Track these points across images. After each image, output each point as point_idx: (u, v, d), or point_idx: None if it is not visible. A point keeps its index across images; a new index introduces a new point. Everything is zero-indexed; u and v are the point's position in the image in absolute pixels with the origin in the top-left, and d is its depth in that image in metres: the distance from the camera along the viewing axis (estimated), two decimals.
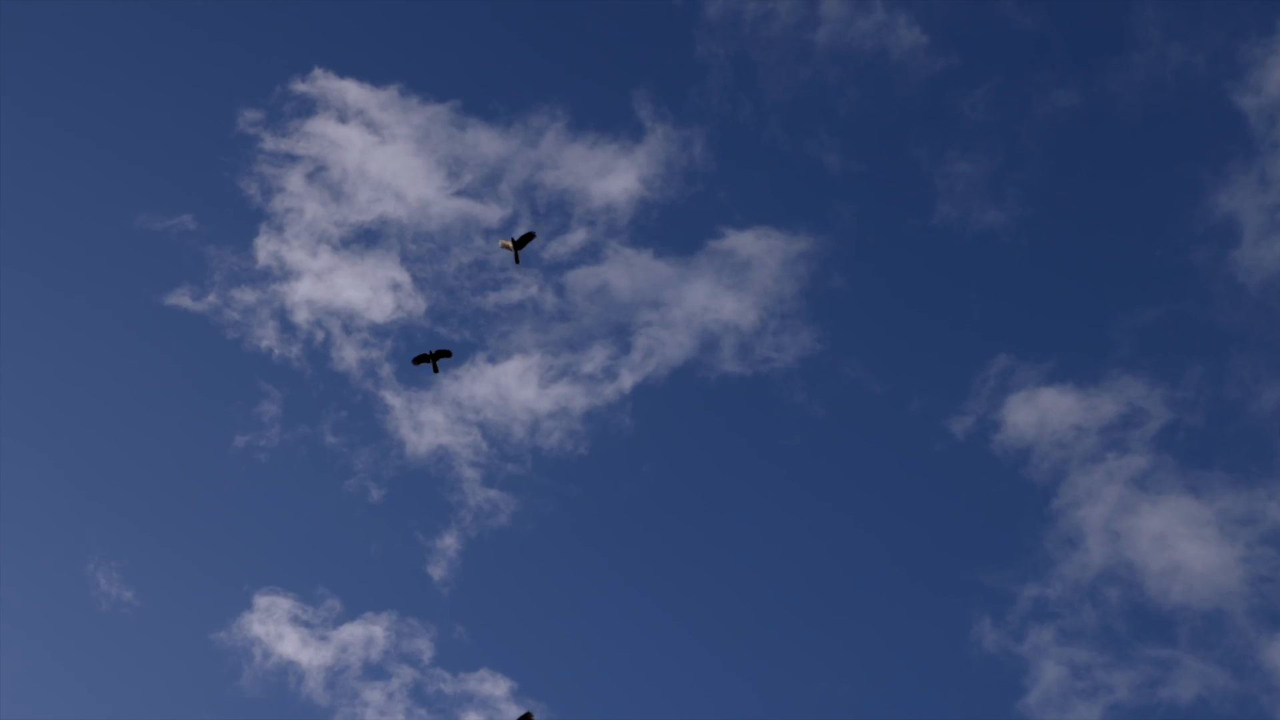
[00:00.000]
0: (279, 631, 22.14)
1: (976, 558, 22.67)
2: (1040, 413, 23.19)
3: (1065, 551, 22.26)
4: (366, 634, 22.22)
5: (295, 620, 22.24)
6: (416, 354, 20.91)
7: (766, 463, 23.84)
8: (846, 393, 23.97)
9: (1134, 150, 25.27)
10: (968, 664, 21.89)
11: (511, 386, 23.85)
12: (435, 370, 20.72)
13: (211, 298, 24.37)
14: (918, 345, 24.60)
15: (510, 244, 20.79)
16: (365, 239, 25.04)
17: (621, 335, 24.17)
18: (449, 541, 22.81)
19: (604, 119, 25.57)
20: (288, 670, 22.00)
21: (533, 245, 20.68)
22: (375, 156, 25.49)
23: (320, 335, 24.25)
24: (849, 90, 25.52)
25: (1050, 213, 24.98)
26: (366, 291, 24.54)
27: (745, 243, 24.79)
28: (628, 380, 23.84)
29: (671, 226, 25.12)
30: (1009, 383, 23.48)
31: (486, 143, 25.45)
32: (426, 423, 23.64)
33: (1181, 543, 21.95)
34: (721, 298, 24.38)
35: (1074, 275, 24.84)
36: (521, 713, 17.67)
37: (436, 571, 22.65)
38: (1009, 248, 24.78)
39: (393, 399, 23.82)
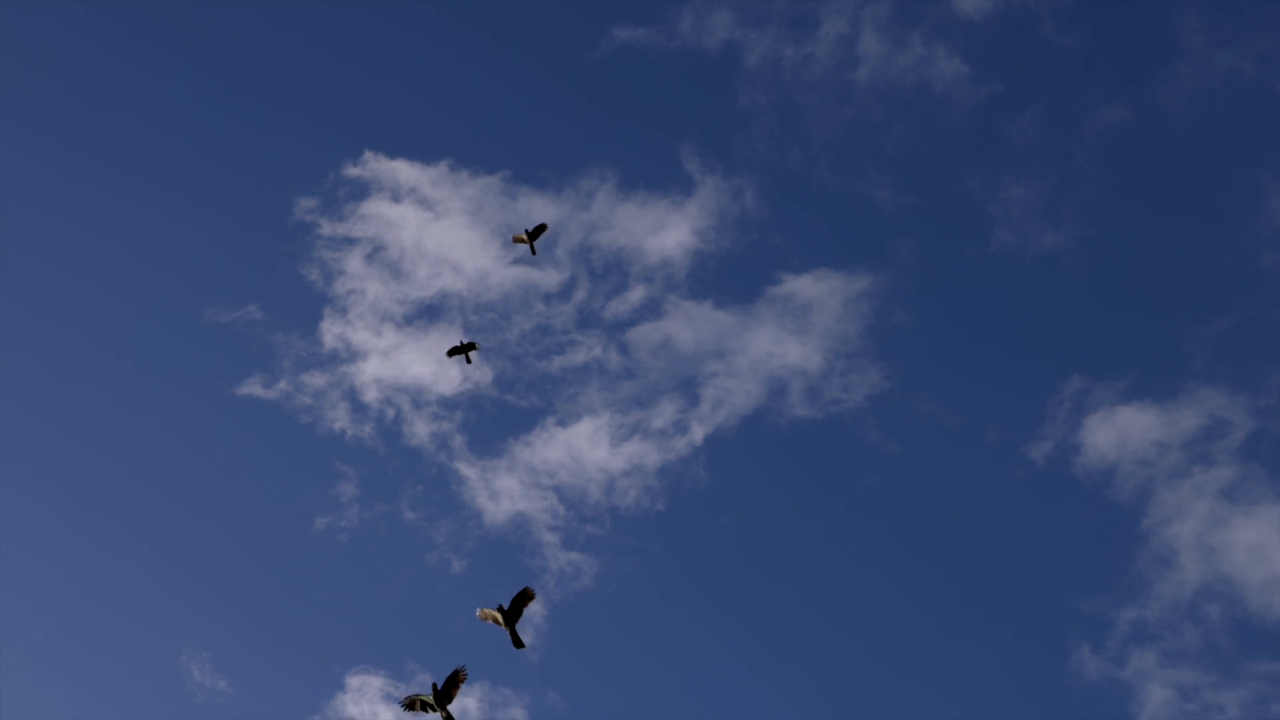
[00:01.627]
0: (373, 711, 22.10)
1: (1069, 584, 22.28)
2: (1120, 432, 22.86)
3: (1160, 571, 21.84)
4: (460, 707, 22.11)
5: (389, 698, 22.20)
6: (450, 348, 20.68)
7: (845, 505, 23.64)
8: (920, 428, 23.76)
9: (1190, 159, 25.06)
10: (1072, 694, 21.45)
11: (583, 448, 23.85)
12: (469, 362, 20.60)
13: (282, 384, 24.64)
14: (988, 374, 24.38)
15: (525, 236, 20.51)
16: (428, 314, 25.26)
17: (688, 388, 24.15)
18: (534, 607, 22.72)
19: (653, 176, 25.73)
20: None
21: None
22: (431, 232, 25.77)
23: (391, 412, 24.42)
24: (895, 126, 25.54)
25: (1110, 230, 24.77)
26: (433, 365, 24.71)
27: (805, 286, 24.75)
28: (699, 432, 23.78)
29: (729, 276, 25.15)
30: (1085, 404, 23.19)
31: (539, 209, 25.67)
32: (502, 490, 23.68)
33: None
34: (785, 343, 24.32)
35: (1141, 291, 24.56)
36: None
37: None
38: (1071, 269, 24.57)
39: (467, 470, 23.89)
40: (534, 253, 20.55)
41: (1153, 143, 25.20)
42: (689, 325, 24.65)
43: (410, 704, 14.84)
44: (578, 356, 24.42)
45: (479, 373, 24.59)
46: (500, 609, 15.53)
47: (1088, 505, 22.77)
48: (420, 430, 24.24)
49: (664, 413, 24.00)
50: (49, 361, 25.37)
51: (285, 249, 25.89)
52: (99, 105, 26.80)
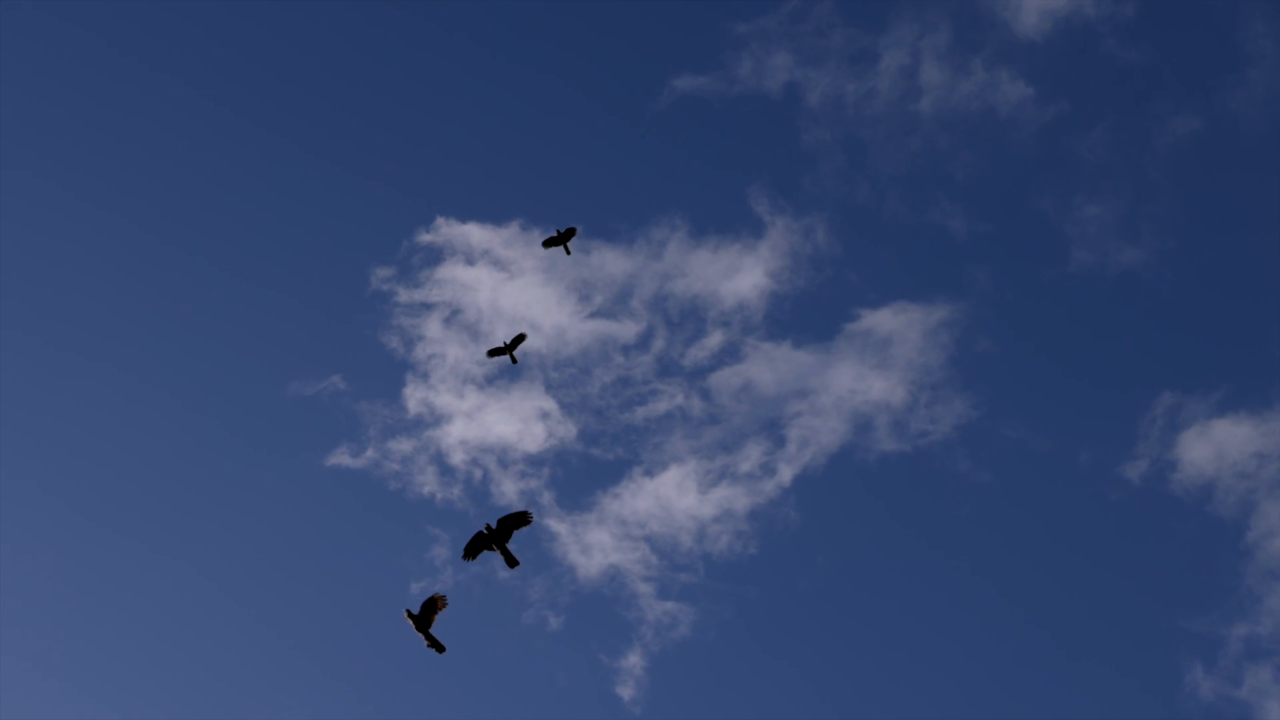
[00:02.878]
0: None
1: (1176, 604, 21.81)
2: (1216, 445, 22.41)
3: (1268, 585, 21.31)
4: None
5: None
6: (491, 348, 20.58)
7: (939, 538, 23.35)
8: (1010, 455, 23.45)
9: (1266, 164, 24.66)
10: (1189, 716, 20.93)
11: (672, 496, 23.80)
12: (514, 361, 20.50)
13: (370, 452, 24.87)
14: (1076, 396, 24.05)
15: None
16: (508, 373, 25.41)
17: (773, 429, 24.05)
18: (634, 660, 22.66)
19: (723, 220, 25.78)
20: None
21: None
22: (506, 292, 25.99)
23: (478, 473, 24.55)
24: (962, 153, 25.41)
25: (1190, 242, 24.42)
26: (517, 424, 24.83)
27: (883, 320, 24.61)
28: (786, 473, 23.65)
29: (806, 315, 25.08)
30: (1178, 420, 22.78)
31: (612, 262, 25.81)
32: (594, 544, 23.67)
33: None
34: (868, 378, 24.16)
35: (1226, 301, 24.16)
36: None
37: (625, 691, 22.48)
38: (1153, 283, 24.23)
39: (557, 526, 23.93)
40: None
41: (1227, 150, 24.88)
42: (769, 367, 24.60)
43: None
44: (660, 405, 24.45)
45: (563, 428, 24.68)
46: (488, 528, 15.67)
47: (1188, 522, 22.34)
48: (509, 489, 24.36)
49: (750, 456, 23.92)
50: (140, 444, 25.81)
51: (364, 319, 26.23)
52: (176, 180, 27.39)
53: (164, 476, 25.40)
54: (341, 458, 24.95)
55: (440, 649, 15.33)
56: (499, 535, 15.62)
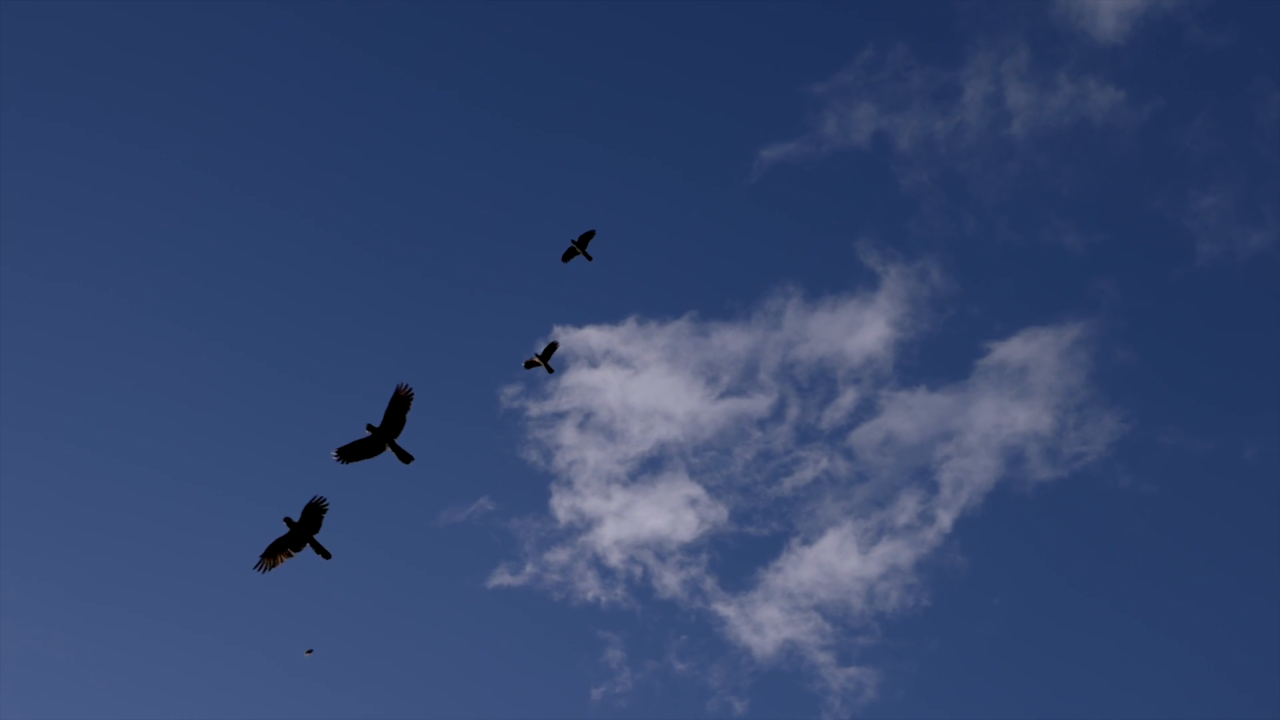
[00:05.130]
0: None
1: None
2: None
3: None
4: None
5: None
6: (526, 359, 20.37)
7: (1112, 558, 22.67)
8: (1172, 462, 22.78)
9: None
10: None
11: (834, 561, 23.50)
12: (550, 371, 20.26)
13: (529, 568, 25.01)
14: (1228, 389, 23.32)
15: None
16: (650, 467, 25.46)
17: (924, 477, 23.68)
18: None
19: (836, 279, 25.71)
20: None
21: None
22: (634, 388, 26.14)
23: (638, 570, 24.52)
24: (1064, 169, 25.09)
25: None
26: (667, 515, 24.80)
27: (1015, 350, 24.21)
28: (945, 519, 23.23)
29: (936, 358, 24.78)
30: None
31: (733, 340, 25.85)
32: (765, 622, 23.42)
33: None
34: (1010, 410, 23.72)
35: None
36: None
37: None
38: None
39: (725, 609, 23.74)
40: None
41: None
42: (908, 415, 24.30)
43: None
44: (806, 473, 24.25)
45: (713, 511, 24.58)
46: (370, 428, 15.04)
47: None
48: (670, 581, 24.27)
49: (905, 507, 23.56)
50: (319, 592, 26.26)
51: (500, 438, 26.53)
52: (316, 327, 28.10)
53: (344, 619, 25.78)
54: (502, 578, 25.13)
55: (327, 555, 14.68)
56: (385, 433, 14.86)
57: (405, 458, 15.23)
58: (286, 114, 28.30)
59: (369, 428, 15.31)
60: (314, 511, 14.63)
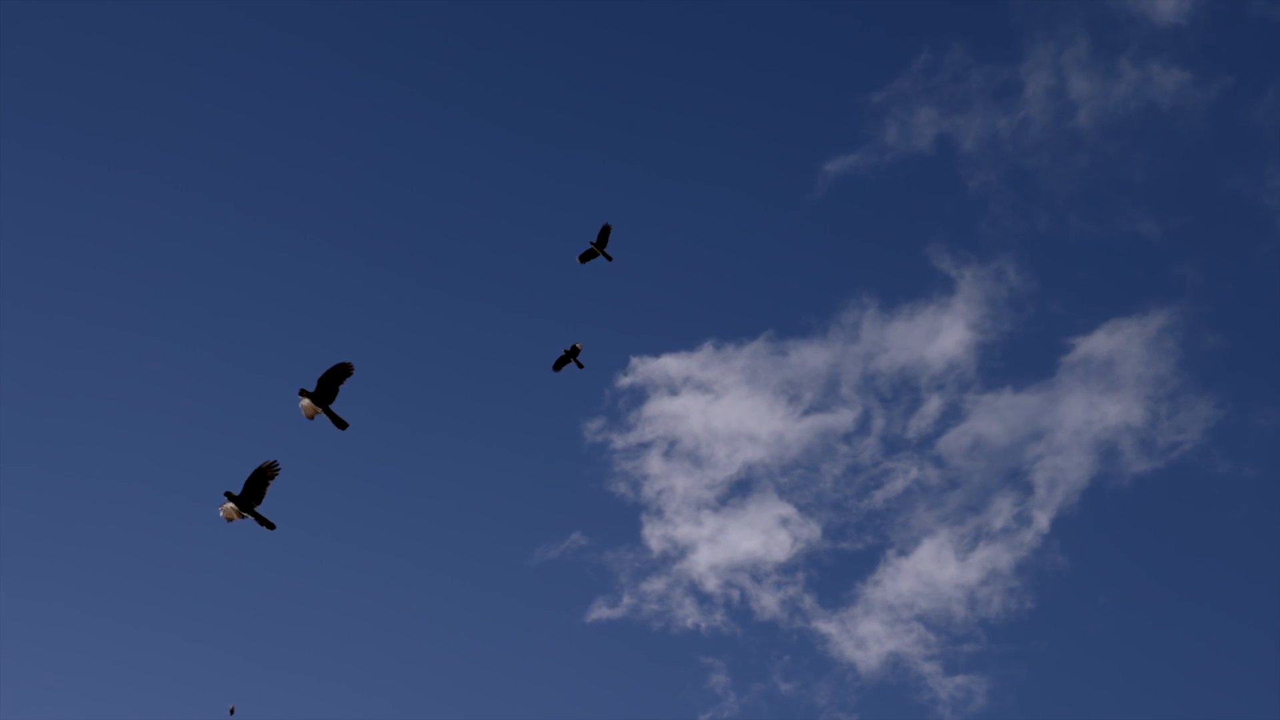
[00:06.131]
0: None
1: None
2: None
3: None
4: None
5: None
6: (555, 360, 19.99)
7: (1217, 545, 22.22)
8: (1271, 444, 22.31)
9: None
10: None
11: (933, 570, 23.25)
12: (580, 366, 20.00)
13: (626, 600, 25.01)
14: None
15: (593, 248, 19.56)
16: (739, 490, 25.38)
17: (1017, 479, 23.38)
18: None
19: (911, 287, 25.54)
20: None
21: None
22: (716, 412, 26.10)
23: (735, 594, 24.42)
24: (1134, 156, 24.76)
25: None
26: (760, 537, 24.70)
27: (1099, 343, 23.87)
28: (1043, 519, 22.91)
29: (1020, 358, 24.51)
30: None
31: (812, 356, 25.75)
32: (868, 636, 23.21)
33: None
34: (1100, 404, 23.38)
35: None
36: None
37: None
38: None
39: (826, 626, 23.56)
40: (609, 259, 19.75)
41: None
42: (996, 418, 24.03)
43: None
44: (896, 484, 24.04)
45: (806, 530, 24.44)
46: (304, 392, 14.14)
47: None
48: (769, 602, 24.14)
49: (1001, 511, 23.27)
50: (425, 631, 26.45)
51: (587, 472, 26.59)
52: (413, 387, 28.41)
53: (449, 658, 25.95)
54: (600, 611, 25.14)
55: (271, 526, 14.17)
56: (321, 397, 14.05)
57: (340, 424, 14.49)
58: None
59: (301, 392, 14.34)
60: (260, 477, 14.24)
